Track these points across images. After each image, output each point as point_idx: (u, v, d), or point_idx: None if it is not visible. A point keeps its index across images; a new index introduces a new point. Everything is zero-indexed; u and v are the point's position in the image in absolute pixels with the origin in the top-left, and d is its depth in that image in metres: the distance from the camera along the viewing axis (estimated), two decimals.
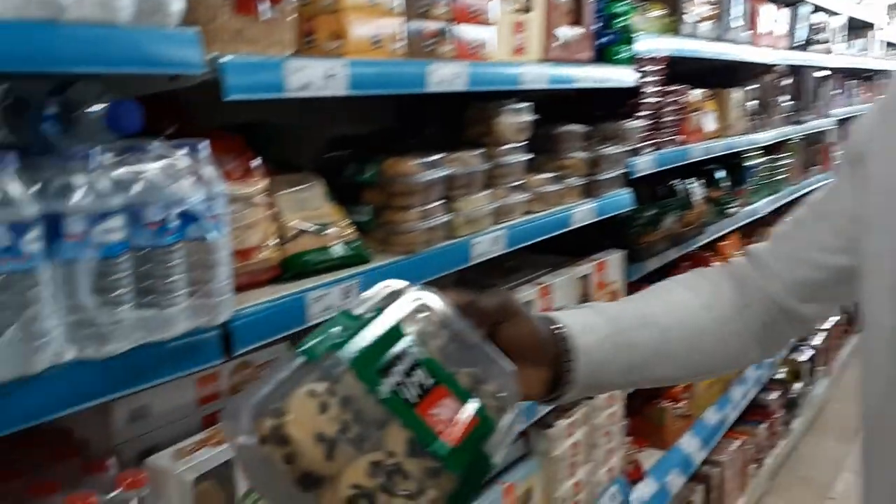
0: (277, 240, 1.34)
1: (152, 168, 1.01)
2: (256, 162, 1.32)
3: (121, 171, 0.98)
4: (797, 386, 4.28)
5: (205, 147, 1.09)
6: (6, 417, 0.90)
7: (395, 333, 0.74)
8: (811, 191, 2.57)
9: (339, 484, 0.65)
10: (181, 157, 1.06)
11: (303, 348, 0.71)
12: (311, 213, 1.42)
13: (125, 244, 0.98)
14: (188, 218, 1.05)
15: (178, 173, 1.04)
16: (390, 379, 0.70)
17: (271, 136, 1.44)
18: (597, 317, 0.95)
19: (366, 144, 1.68)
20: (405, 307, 0.78)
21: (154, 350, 1.04)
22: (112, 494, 1.07)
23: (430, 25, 1.55)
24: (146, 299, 1.02)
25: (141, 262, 1.01)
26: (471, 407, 0.73)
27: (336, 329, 0.73)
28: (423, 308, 0.78)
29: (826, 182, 1.01)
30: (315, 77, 1.24)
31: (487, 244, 1.72)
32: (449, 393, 0.73)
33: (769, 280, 0.98)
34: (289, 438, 0.65)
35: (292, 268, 1.35)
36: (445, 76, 1.52)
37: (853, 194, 0.88)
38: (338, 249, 1.42)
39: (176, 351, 1.07)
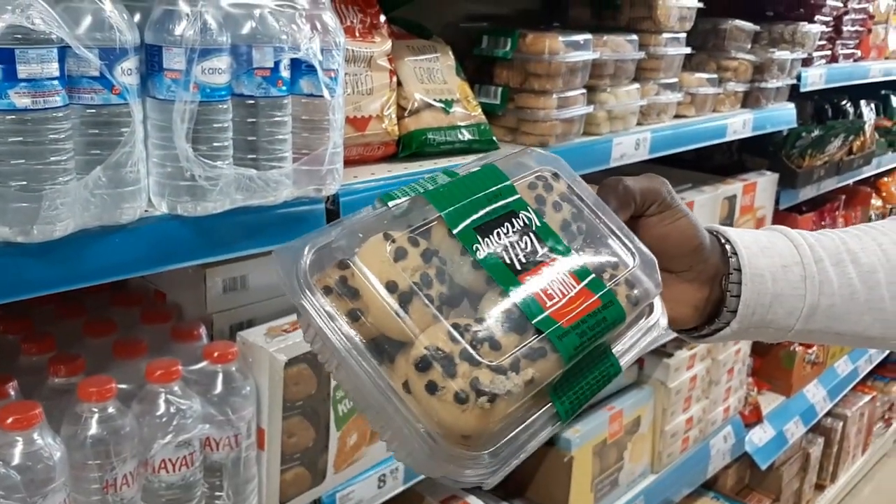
0: (397, 112, 1.19)
1: (266, 4, 0.88)
2: (382, 19, 1.16)
3: (231, 3, 0.85)
4: None
5: None
6: (89, 268, 0.81)
7: (504, 190, 0.59)
8: None
9: (412, 348, 0.50)
10: None
11: (384, 194, 0.57)
12: (436, 86, 1.26)
13: (229, 89, 0.85)
14: (302, 69, 0.92)
15: (294, 15, 0.90)
16: (490, 239, 0.56)
17: None
18: (781, 240, 0.74)
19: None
20: (522, 167, 0.62)
21: (253, 215, 0.93)
22: (199, 366, 0.99)
23: None
24: (248, 157, 0.90)
25: (245, 113, 0.88)
26: (594, 287, 0.56)
27: (428, 180, 0.59)
28: (546, 174, 0.62)
29: None
30: None
31: (629, 146, 1.52)
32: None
33: None
34: (358, 291, 0.51)
35: (410, 145, 1.21)
36: None
37: None
38: (464, 131, 1.26)
39: (277, 220, 0.96)
